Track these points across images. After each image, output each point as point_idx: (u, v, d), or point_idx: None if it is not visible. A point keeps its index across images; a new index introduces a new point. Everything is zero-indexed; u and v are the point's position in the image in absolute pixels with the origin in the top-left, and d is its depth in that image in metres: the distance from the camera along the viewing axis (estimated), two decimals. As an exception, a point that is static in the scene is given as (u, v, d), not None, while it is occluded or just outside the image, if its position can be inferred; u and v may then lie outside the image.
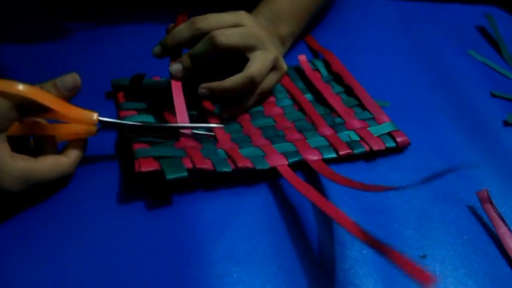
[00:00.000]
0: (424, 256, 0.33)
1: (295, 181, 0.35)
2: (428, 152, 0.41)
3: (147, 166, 0.33)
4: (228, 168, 0.35)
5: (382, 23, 0.59)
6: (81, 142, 0.35)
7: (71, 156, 0.34)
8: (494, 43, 0.58)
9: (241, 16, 0.42)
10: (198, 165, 0.34)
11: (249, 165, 0.36)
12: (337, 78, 0.48)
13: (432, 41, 0.57)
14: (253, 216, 0.34)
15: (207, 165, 0.35)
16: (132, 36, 0.52)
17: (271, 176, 0.37)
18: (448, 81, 0.50)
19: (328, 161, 0.38)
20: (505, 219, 0.35)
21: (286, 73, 0.48)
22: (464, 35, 0.59)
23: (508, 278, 0.32)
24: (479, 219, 0.36)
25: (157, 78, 0.45)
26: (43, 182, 0.32)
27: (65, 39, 0.51)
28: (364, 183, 0.34)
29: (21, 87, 0.31)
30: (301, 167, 0.38)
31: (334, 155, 0.38)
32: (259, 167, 0.36)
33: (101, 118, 0.34)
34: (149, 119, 0.40)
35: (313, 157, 0.38)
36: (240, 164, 0.35)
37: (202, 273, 0.30)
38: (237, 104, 0.42)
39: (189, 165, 0.34)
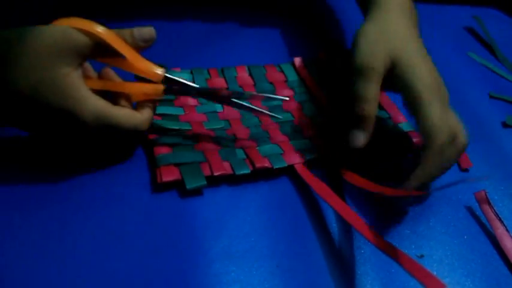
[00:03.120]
0: (422, 256, 0.33)
1: (311, 180, 0.35)
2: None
3: (168, 176, 0.34)
4: (246, 170, 0.36)
5: (382, 24, 0.59)
6: (151, 103, 0.36)
7: (144, 113, 0.35)
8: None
9: None
10: (217, 172, 0.35)
11: (267, 165, 0.36)
12: None
13: (431, 43, 0.56)
14: (251, 214, 0.34)
15: (225, 169, 0.35)
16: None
17: (270, 175, 0.37)
18: (447, 82, 0.50)
19: None
20: (502, 219, 0.35)
21: (305, 67, 0.47)
22: (463, 37, 0.59)
23: (506, 278, 0.32)
24: (477, 219, 0.36)
25: (178, 70, 0.45)
26: (117, 128, 0.32)
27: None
28: (380, 185, 0.34)
29: (101, 29, 0.31)
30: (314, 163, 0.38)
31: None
32: (276, 166, 0.36)
33: (166, 74, 0.35)
34: (170, 110, 0.40)
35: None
36: (258, 165, 0.36)
37: (200, 271, 0.30)
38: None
39: (208, 172, 0.35)
